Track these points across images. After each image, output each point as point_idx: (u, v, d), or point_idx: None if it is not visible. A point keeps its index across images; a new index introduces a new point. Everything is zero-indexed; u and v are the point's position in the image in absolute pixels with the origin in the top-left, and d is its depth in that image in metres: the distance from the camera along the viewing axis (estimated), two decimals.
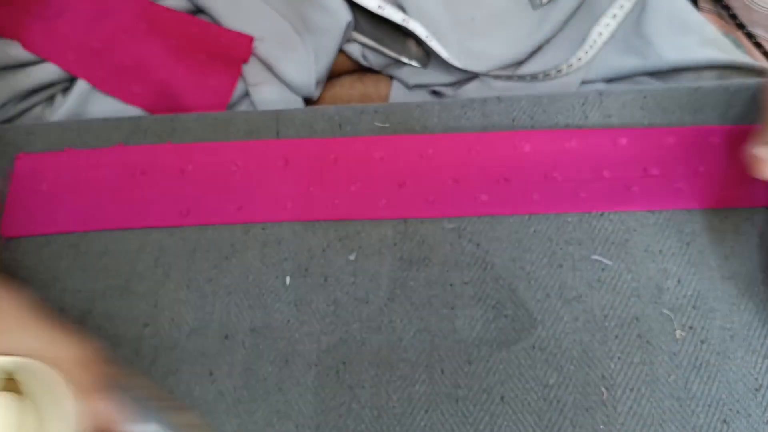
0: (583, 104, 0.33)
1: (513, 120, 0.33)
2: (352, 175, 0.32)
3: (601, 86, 0.40)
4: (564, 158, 0.32)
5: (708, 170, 0.31)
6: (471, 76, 0.43)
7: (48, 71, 0.40)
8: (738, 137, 0.31)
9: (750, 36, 0.55)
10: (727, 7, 0.60)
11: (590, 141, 0.32)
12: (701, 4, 0.59)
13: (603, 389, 0.27)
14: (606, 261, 0.30)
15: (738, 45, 0.60)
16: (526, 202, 0.31)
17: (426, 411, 0.28)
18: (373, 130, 0.34)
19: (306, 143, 0.33)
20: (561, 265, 0.30)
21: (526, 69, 0.43)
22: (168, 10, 0.41)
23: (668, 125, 0.33)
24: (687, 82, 0.38)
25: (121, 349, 0.30)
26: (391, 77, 0.46)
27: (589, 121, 0.33)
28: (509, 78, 0.42)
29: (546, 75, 0.41)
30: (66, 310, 0.31)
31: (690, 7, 0.45)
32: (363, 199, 0.32)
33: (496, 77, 0.42)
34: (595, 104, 0.33)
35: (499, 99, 0.34)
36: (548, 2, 0.44)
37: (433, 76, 0.44)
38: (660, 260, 0.30)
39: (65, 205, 0.33)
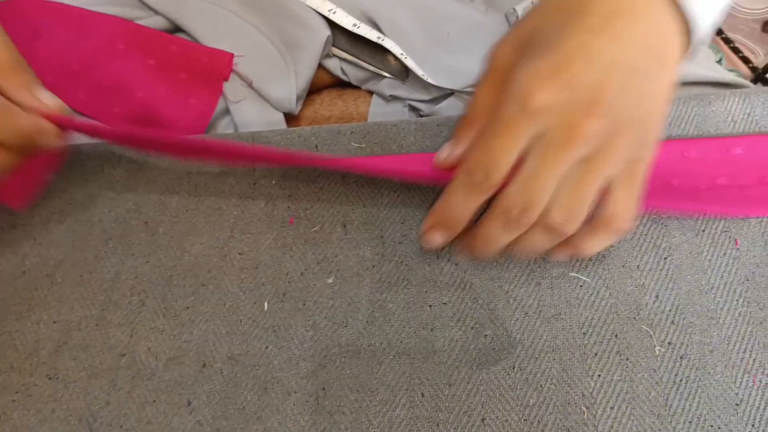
0: None
1: None
2: None
3: None
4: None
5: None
6: (448, 93, 0.43)
7: None
8: None
9: (728, 41, 0.56)
10: None
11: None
12: None
13: (583, 408, 0.27)
14: (583, 278, 0.30)
15: (717, 51, 0.60)
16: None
17: None
18: (350, 150, 0.34)
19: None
20: (539, 283, 0.30)
21: None
22: (146, 29, 0.41)
23: None
24: None
25: (98, 380, 0.29)
26: (370, 92, 0.46)
27: None
28: None
29: None
30: (41, 341, 0.30)
31: None
32: None
33: (470, 94, 0.42)
34: None
35: None
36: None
37: (410, 91, 0.44)
38: (637, 276, 0.30)
39: None
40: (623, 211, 0.26)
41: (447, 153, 0.28)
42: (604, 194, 0.26)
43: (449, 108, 0.43)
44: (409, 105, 0.46)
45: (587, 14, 0.25)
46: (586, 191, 0.25)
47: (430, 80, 0.42)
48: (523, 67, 0.25)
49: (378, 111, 0.46)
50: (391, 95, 0.45)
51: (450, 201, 0.27)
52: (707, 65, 0.42)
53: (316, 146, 0.34)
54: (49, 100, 0.30)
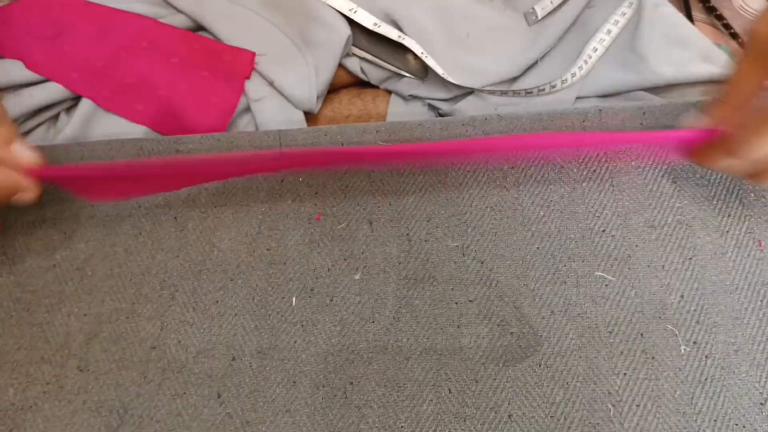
0: (584, 121, 0.34)
1: None
2: None
3: (596, 102, 0.40)
4: None
5: None
6: (467, 92, 0.44)
7: (52, 91, 0.40)
8: None
9: (743, 46, 0.56)
10: (720, 17, 0.60)
11: None
12: (695, 14, 0.59)
13: (609, 405, 0.28)
14: (609, 277, 0.30)
15: (732, 56, 0.61)
16: None
17: (434, 430, 0.28)
18: None
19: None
20: (565, 282, 0.30)
21: (521, 84, 0.43)
22: (169, 27, 0.42)
23: None
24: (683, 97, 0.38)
25: (128, 372, 0.30)
26: (389, 92, 0.47)
27: None
28: (504, 93, 0.43)
29: (541, 90, 0.42)
30: (72, 333, 0.31)
31: (685, 21, 0.45)
32: None
33: (491, 92, 0.43)
34: (595, 120, 0.34)
35: (500, 117, 0.34)
36: (543, 18, 0.45)
37: (430, 90, 0.45)
38: (663, 276, 0.30)
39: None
40: None
41: (691, 122, 0.28)
42: None
43: (468, 107, 0.43)
44: (429, 104, 0.46)
45: None
46: None
47: (450, 79, 0.42)
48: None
49: (397, 110, 0.47)
50: (410, 95, 0.45)
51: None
52: (727, 65, 0.42)
53: (342, 144, 0.34)
54: (25, 155, 0.30)
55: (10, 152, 0.29)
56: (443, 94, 0.45)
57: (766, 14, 0.27)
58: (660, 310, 0.29)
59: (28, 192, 0.30)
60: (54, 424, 0.29)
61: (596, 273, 0.30)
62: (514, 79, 0.44)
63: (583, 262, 0.30)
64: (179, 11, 0.43)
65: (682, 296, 0.30)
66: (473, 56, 0.44)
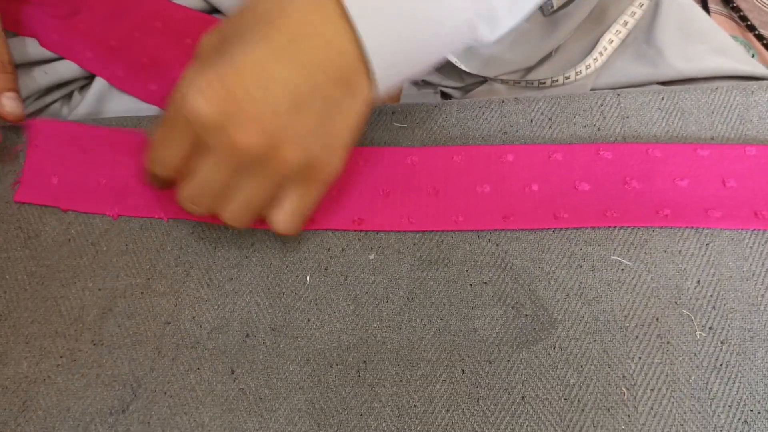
0: (601, 105, 0.34)
1: (531, 121, 0.34)
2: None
3: None
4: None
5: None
6: (480, 80, 0.43)
7: (66, 69, 0.40)
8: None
9: (761, 38, 0.56)
10: (737, 9, 0.60)
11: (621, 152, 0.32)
12: (711, 6, 0.59)
13: (624, 389, 0.28)
14: (625, 261, 0.30)
15: (749, 48, 0.60)
16: (549, 217, 0.31)
17: (447, 410, 0.28)
18: (391, 129, 0.34)
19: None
20: (581, 266, 0.30)
21: (536, 75, 0.43)
22: (183, 8, 0.42)
23: (685, 126, 0.33)
24: None
25: (142, 346, 0.30)
26: None
27: (606, 122, 0.33)
28: (517, 83, 0.42)
29: (555, 81, 0.41)
30: (86, 308, 0.31)
31: (702, 13, 0.45)
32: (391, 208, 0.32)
33: (505, 82, 0.42)
34: (613, 105, 0.34)
35: (516, 100, 0.34)
36: (558, 9, 0.44)
37: (443, 78, 0.45)
38: (679, 261, 0.30)
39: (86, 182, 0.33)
40: (283, 220, 0.29)
41: None
42: (275, 199, 0.28)
43: (481, 95, 0.43)
44: (441, 91, 0.46)
45: (273, 29, 0.25)
46: (252, 199, 0.27)
47: (463, 67, 0.42)
48: (193, 70, 0.25)
49: (409, 95, 0.46)
50: (423, 80, 0.45)
51: (151, 157, 0.29)
52: (744, 59, 0.42)
53: None
54: (8, 106, 0.32)
55: None
56: (456, 82, 0.45)
57: (215, 29, 0.27)
58: (676, 295, 0.29)
59: None
60: (67, 396, 0.29)
61: (612, 257, 0.30)
62: (529, 69, 0.44)
63: (599, 246, 0.30)
64: None
65: (698, 282, 0.29)
66: (488, 45, 0.44)
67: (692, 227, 0.30)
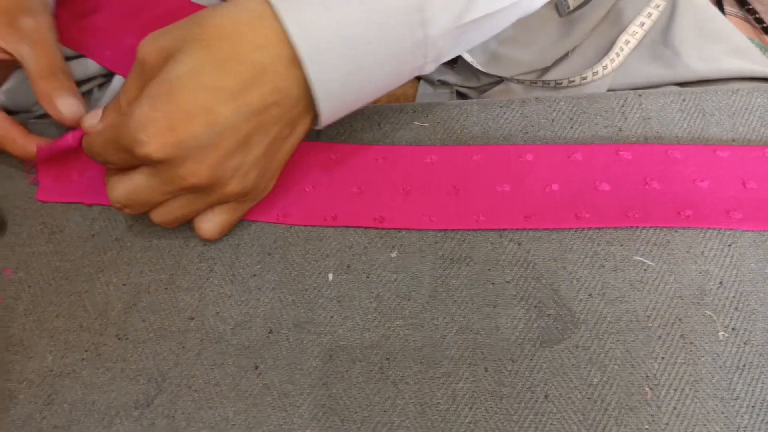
0: (622, 106, 0.34)
1: (552, 121, 0.34)
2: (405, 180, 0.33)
3: None
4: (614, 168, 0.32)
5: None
6: (496, 81, 0.43)
7: (85, 66, 0.40)
8: None
9: None
10: (752, 11, 0.60)
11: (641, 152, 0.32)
12: (727, 8, 0.59)
13: (647, 389, 0.28)
14: (648, 262, 0.30)
15: (765, 50, 0.60)
16: (571, 217, 0.31)
17: (470, 408, 0.28)
18: (412, 129, 0.34)
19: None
20: (603, 266, 0.30)
21: (552, 75, 0.43)
22: (200, 7, 0.42)
23: (706, 127, 0.33)
24: None
25: (166, 341, 0.30)
26: (418, 78, 0.47)
27: (627, 123, 0.33)
28: (534, 83, 0.42)
29: (571, 82, 0.41)
30: (111, 302, 0.31)
31: (719, 14, 0.45)
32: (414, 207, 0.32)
33: (521, 82, 0.42)
34: (634, 106, 0.34)
35: (537, 100, 0.34)
36: (575, 10, 0.45)
37: (459, 78, 0.45)
38: (702, 261, 0.30)
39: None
40: (210, 228, 0.30)
41: (90, 123, 0.30)
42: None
43: (497, 95, 0.43)
44: (457, 91, 0.46)
45: (219, 61, 0.26)
46: (185, 210, 0.29)
47: (479, 67, 0.42)
48: (139, 107, 0.25)
49: (425, 95, 0.46)
50: (439, 80, 0.45)
51: (88, 149, 0.29)
52: (761, 61, 0.42)
53: (379, 124, 0.34)
54: (64, 108, 0.32)
55: (51, 105, 0.32)
56: (472, 82, 0.45)
57: (156, 35, 0.28)
58: (698, 295, 0.29)
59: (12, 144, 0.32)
60: (92, 390, 0.29)
61: (635, 257, 0.30)
62: (545, 69, 0.44)
63: (621, 246, 0.30)
64: None
65: (721, 283, 0.29)
66: (504, 45, 0.44)
67: (715, 228, 0.30)
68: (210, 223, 0.30)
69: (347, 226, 0.32)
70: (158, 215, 0.29)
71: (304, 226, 0.32)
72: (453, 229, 0.31)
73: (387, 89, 0.30)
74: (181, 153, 0.25)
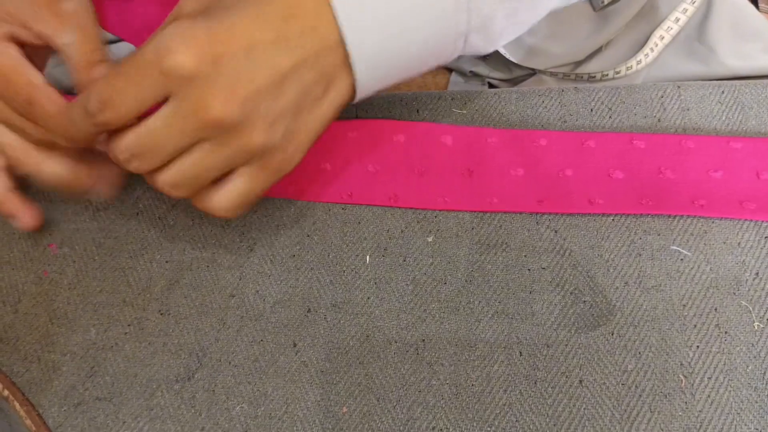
0: (662, 96, 0.34)
1: (591, 110, 0.34)
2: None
3: None
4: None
5: None
6: (529, 73, 0.44)
7: (124, 51, 0.41)
8: None
9: None
10: None
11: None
12: (762, 5, 0.58)
13: (681, 376, 0.28)
14: (685, 252, 0.30)
15: None
16: (584, 202, 0.31)
17: (505, 391, 0.28)
18: (451, 115, 0.35)
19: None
20: (640, 254, 0.30)
21: (585, 69, 0.43)
22: None
23: (745, 120, 0.33)
24: None
25: (207, 317, 0.31)
26: (449, 70, 0.47)
27: (666, 114, 0.33)
28: (567, 77, 0.42)
29: (605, 76, 0.41)
30: (154, 279, 0.32)
31: (755, 12, 0.44)
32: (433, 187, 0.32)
33: (554, 75, 0.43)
34: (673, 97, 0.34)
35: (576, 89, 0.34)
36: (609, 4, 0.44)
37: (491, 69, 0.45)
38: (738, 252, 0.30)
39: None
40: (226, 200, 0.26)
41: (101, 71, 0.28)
42: (224, 176, 0.26)
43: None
44: (488, 83, 0.46)
45: (267, 6, 0.23)
46: (200, 168, 0.25)
47: (512, 59, 0.42)
48: (178, 21, 0.23)
49: (456, 85, 0.47)
50: (471, 71, 0.46)
51: (70, 116, 0.26)
52: None
53: (418, 110, 0.35)
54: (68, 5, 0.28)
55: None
56: (504, 74, 0.45)
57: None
58: (734, 286, 0.29)
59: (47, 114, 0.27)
60: (134, 363, 0.30)
61: (672, 247, 0.30)
62: (578, 63, 0.44)
63: (658, 235, 0.30)
64: None
65: (757, 274, 0.30)
66: (537, 38, 0.44)
67: (750, 220, 0.30)
68: (227, 195, 0.26)
69: (362, 204, 0.32)
70: (168, 175, 0.26)
71: (324, 203, 0.33)
72: (490, 213, 0.32)
73: (426, 59, 0.27)
74: (215, 71, 0.23)
